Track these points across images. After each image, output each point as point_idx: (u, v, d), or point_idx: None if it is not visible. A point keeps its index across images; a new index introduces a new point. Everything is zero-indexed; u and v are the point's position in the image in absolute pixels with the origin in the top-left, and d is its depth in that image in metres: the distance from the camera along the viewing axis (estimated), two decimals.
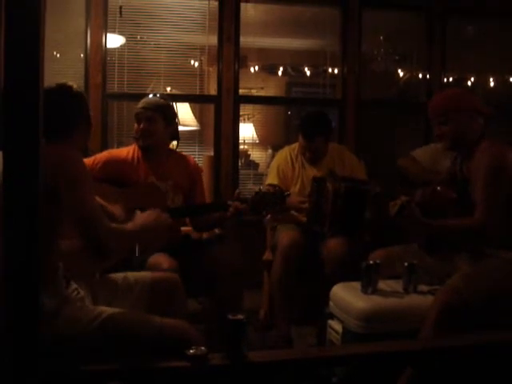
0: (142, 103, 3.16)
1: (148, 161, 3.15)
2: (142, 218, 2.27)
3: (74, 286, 2.14)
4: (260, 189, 3.02)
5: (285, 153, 3.93)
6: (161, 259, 2.85)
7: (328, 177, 3.56)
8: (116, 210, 2.63)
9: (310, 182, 3.63)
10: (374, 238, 3.52)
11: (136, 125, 3.15)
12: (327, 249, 3.48)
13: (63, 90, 2.24)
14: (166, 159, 3.18)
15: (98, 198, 2.53)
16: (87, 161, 3.01)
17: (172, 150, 3.27)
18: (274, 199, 2.95)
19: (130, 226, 2.20)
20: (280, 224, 3.75)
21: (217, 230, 3.72)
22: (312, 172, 3.76)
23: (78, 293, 2.13)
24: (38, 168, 1.58)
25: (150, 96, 3.25)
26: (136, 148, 3.18)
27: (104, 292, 2.26)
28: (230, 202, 2.94)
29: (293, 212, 3.71)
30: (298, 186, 3.78)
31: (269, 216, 3.88)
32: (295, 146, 3.90)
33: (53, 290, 1.98)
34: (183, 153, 3.47)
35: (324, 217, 3.51)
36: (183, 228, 3.46)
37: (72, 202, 1.98)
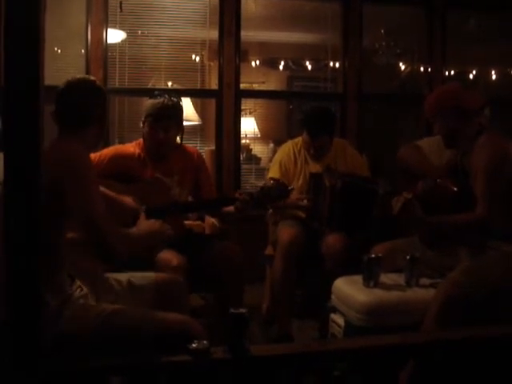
0: (157, 110, 3.05)
1: (153, 157, 3.14)
2: (146, 224, 2.28)
3: (77, 283, 2.15)
4: (265, 184, 3.03)
5: (288, 147, 3.91)
6: (170, 256, 2.85)
7: (325, 173, 3.56)
8: (127, 200, 2.65)
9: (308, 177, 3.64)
10: (375, 233, 3.52)
11: (147, 129, 3.08)
12: (326, 245, 3.48)
13: (85, 83, 2.23)
14: (171, 155, 3.17)
15: (107, 191, 2.54)
16: (93, 156, 2.98)
17: (177, 145, 3.25)
18: (279, 193, 2.96)
19: (134, 230, 2.22)
20: (281, 219, 3.74)
21: (217, 225, 3.72)
22: (314, 167, 3.75)
23: (82, 290, 2.14)
24: (39, 167, 1.59)
25: (157, 93, 3.13)
26: (142, 144, 3.17)
27: (107, 291, 2.26)
28: (237, 195, 2.96)
29: (291, 210, 3.70)
30: (300, 181, 3.76)
31: (270, 211, 3.88)
32: (298, 140, 3.88)
33: (57, 288, 1.99)
34: (187, 146, 3.45)
35: (322, 213, 3.52)
36: (186, 222, 3.47)
37: (78, 203, 1.98)
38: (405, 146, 3.40)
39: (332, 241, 3.46)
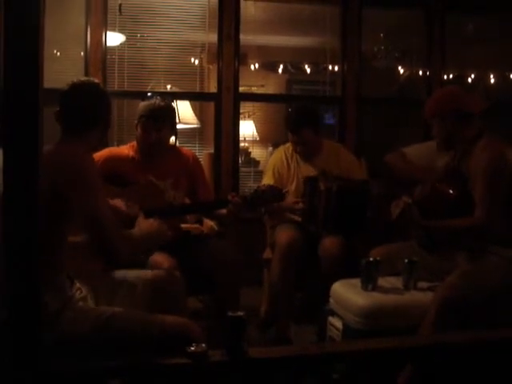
0: (149, 111, 3.07)
1: (147, 160, 3.14)
2: (146, 224, 2.28)
3: (77, 285, 2.15)
4: (258, 187, 3.03)
5: (280, 153, 3.93)
6: (161, 258, 2.86)
7: (320, 176, 3.56)
8: (118, 203, 2.65)
9: (303, 181, 3.64)
10: (373, 236, 3.52)
11: (140, 131, 3.09)
12: (322, 248, 3.48)
13: (90, 86, 2.23)
14: (165, 157, 3.17)
15: None
16: None
17: (171, 147, 3.25)
18: (273, 196, 2.96)
19: (136, 231, 2.22)
20: (279, 223, 3.74)
21: (216, 227, 3.72)
22: (307, 169, 3.76)
23: (81, 292, 2.14)
24: (38, 168, 1.59)
25: (150, 95, 3.16)
26: (136, 147, 3.17)
27: (105, 291, 2.26)
28: (229, 198, 2.96)
29: (287, 213, 3.70)
30: (294, 185, 3.77)
31: (266, 216, 3.88)
32: (289, 145, 3.90)
33: (57, 290, 1.99)
34: (182, 148, 3.45)
35: (318, 216, 3.52)
36: (183, 225, 3.46)
37: (82, 205, 1.98)
38: (391, 153, 3.40)
39: (329, 244, 3.47)
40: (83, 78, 2.27)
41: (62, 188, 1.94)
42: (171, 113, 3.14)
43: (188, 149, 3.56)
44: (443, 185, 2.94)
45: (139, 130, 3.10)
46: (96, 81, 2.30)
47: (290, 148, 3.87)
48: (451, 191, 2.88)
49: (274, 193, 2.99)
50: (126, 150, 3.20)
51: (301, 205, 3.59)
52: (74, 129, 2.16)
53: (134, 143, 3.18)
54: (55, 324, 1.91)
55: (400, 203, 2.91)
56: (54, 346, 1.83)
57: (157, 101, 3.08)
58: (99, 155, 3.11)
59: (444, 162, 3.05)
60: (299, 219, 3.65)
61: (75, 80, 2.22)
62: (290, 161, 3.84)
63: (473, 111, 2.89)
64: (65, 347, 1.90)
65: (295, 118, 3.76)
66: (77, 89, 2.20)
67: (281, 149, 3.96)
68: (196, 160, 3.34)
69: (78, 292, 2.13)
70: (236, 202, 2.92)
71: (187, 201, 3.25)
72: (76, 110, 2.18)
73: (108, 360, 1.90)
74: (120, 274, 2.35)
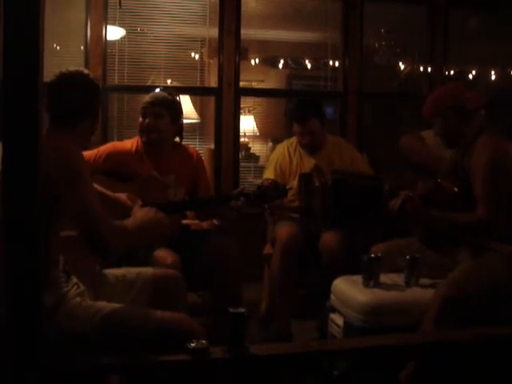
0: (149, 97, 3.10)
1: (151, 155, 3.13)
2: (141, 213, 2.24)
3: (73, 280, 2.12)
4: (262, 183, 3.02)
5: (282, 147, 3.92)
6: (165, 254, 2.86)
7: (314, 172, 3.54)
8: (121, 197, 2.63)
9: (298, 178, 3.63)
10: (374, 232, 3.51)
11: (141, 119, 3.10)
12: (323, 243, 3.48)
13: (79, 77, 2.18)
14: (169, 153, 3.16)
15: (99, 187, 2.51)
16: (90, 153, 3.00)
17: (176, 144, 3.24)
18: (276, 193, 2.96)
19: (130, 222, 2.17)
20: (279, 219, 3.73)
21: (216, 222, 3.71)
22: (310, 164, 3.74)
23: (78, 287, 2.11)
24: (37, 162, 1.58)
25: (157, 90, 3.20)
26: (139, 141, 3.16)
27: (104, 287, 2.24)
28: (235, 192, 2.96)
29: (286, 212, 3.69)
30: (296, 180, 3.74)
31: (268, 211, 3.87)
32: (293, 139, 3.89)
33: (52, 285, 1.97)
34: (188, 146, 3.44)
35: (316, 213, 3.51)
36: (185, 221, 3.45)
37: (72, 200, 1.95)
38: (407, 136, 3.37)
39: (329, 239, 3.46)
40: (72, 69, 2.20)
41: (52, 183, 1.90)
42: (172, 104, 3.13)
43: (192, 147, 3.55)
44: (446, 181, 2.93)
45: (140, 118, 3.11)
46: (86, 71, 2.23)
47: (294, 142, 3.86)
48: (454, 188, 2.87)
49: (277, 189, 2.98)
50: (130, 144, 3.19)
51: (296, 203, 3.57)
52: (61, 120, 2.11)
53: (138, 138, 3.17)
54: (51, 320, 1.89)
55: (401, 196, 2.89)
56: (51, 343, 1.82)
57: (160, 91, 3.15)
58: (102, 150, 3.11)
59: (449, 157, 3.04)
60: (297, 216, 3.63)
61: (63, 70, 2.16)
62: (292, 155, 3.84)
63: (471, 107, 2.88)
64: (62, 344, 1.88)
65: (303, 109, 3.75)
66: (65, 79, 2.15)
67: (284, 143, 3.95)
68: (199, 158, 3.33)
69: (75, 287, 2.09)
70: (240, 202, 2.91)
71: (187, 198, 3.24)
72: (63, 100, 2.12)
73: (108, 356, 1.89)
74: (120, 271, 2.34)
